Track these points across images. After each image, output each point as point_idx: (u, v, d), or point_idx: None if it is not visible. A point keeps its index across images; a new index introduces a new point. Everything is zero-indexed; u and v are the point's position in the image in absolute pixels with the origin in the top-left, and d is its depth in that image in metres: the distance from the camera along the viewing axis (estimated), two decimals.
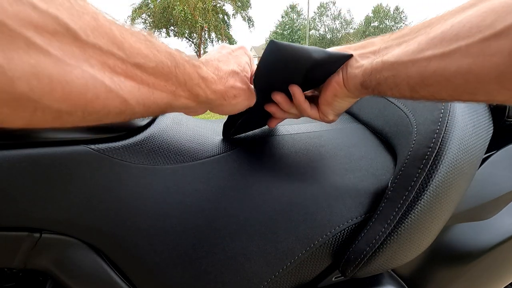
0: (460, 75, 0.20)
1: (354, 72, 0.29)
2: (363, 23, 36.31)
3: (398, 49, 0.25)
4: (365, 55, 0.29)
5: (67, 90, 0.16)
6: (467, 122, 0.32)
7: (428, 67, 0.22)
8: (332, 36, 36.11)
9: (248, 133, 0.38)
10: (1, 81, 0.13)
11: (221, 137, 0.36)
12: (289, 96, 0.33)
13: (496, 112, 0.38)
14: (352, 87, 0.30)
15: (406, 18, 35.11)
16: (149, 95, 0.21)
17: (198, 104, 0.26)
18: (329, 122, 0.35)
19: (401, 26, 34.96)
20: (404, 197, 0.30)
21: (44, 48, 0.14)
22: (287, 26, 39.21)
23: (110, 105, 0.19)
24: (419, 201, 0.30)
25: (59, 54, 0.15)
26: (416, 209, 0.30)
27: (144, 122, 0.31)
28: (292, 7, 39.83)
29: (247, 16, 17.58)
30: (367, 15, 36.23)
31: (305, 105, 0.33)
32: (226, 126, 0.36)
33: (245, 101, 0.30)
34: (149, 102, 0.21)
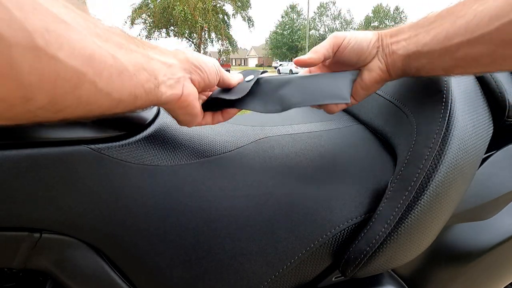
0: (486, 56, 0.25)
1: (393, 62, 0.32)
2: (363, 23, 36.30)
3: (429, 37, 0.29)
4: (398, 42, 0.32)
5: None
6: (467, 122, 0.32)
7: (458, 53, 0.26)
8: None
9: (248, 133, 0.38)
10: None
11: (221, 137, 0.36)
12: None
13: (496, 112, 0.38)
14: (393, 74, 0.33)
15: (406, 18, 35.13)
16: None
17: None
18: (355, 103, 0.37)
19: None
20: (404, 197, 0.30)
21: None
22: (287, 26, 39.20)
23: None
24: (419, 201, 0.30)
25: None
26: (416, 209, 0.30)
27: (144, 122, 0.31)
28: (292, 7, 39.83)
29: (247, 16, 17.58)
30: (367, 15, 36.24)
31: None
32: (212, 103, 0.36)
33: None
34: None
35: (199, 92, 0.30)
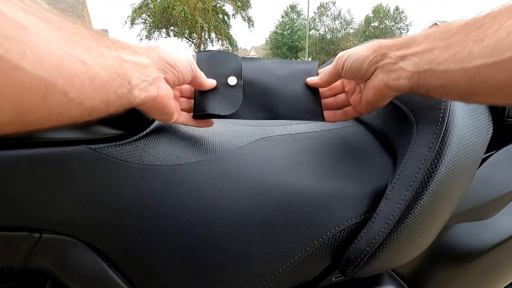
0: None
1: (397, 78, 0.29)
2: (363, 23, 36.31)
3: (446, 54, 0.24)
4: (407, 57, 0.28)
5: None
6: (467, 122, 0.32)
7: (478, 77, 0.21)
8: (332, 36, 36.09)
9: (248, 133, 0.38)
10: None
11: (221, 137, 0.36)
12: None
13: (496, 112, 0.38)
14: (396, 90, 0.30)
15: (406, 18, 35.11)
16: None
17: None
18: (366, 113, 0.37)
19: (401, 26, 35.03)
20: (404, 197, 0.30)
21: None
22: (287, 26, 39.19)
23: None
24: (419, 201, 0.30)
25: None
26: (416, 209, 0.30)
27: (144, 122, 0.31)
28: (292, 7, 39.82)
29: (247, 16, 17.58)
30: (367, 15, 36.23)
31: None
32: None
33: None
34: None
35: (173, 88, 0.30)
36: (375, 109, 0.35)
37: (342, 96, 0.39)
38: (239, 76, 0.36)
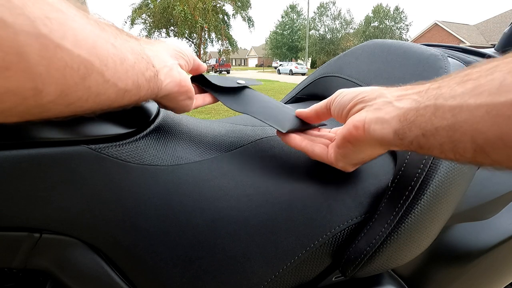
0: None
1: (383, 117, 0.22)
2: (363, 23, 36.29)
3: (461, 88, 0.17)
4: (406, 96, 0.22)
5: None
6: None
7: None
8: (332, 36, 36.07)
9: (248, 133, 0.38)
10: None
11: (221, 137, 0.36)
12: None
13: None
14: (375, 135, 0.23)
15: (406, 18, 35.11)
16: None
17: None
18: (341, 169, 0.30)
19: (401, 26, 35.01)
20: (404, 197, 0.30)
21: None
22: (287, 26, 39.19)
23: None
24: (419, 201, 0.30)
25: None
26: (416, 209, 0.30)
27: (144, 121, 0.31)
28: (292, 7, 39.82)
29: (247, 16, 17.57)
30: (367, 15, 36.22)
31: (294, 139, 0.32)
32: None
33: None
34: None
35: None
36: (342, 158, 0.28)
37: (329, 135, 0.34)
38: (245, 81, 0.42)
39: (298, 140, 0.32)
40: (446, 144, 0.18)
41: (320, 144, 0.32)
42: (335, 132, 0.34)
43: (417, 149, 0.20)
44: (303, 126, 0.35)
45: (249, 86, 0.41)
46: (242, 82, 0.41)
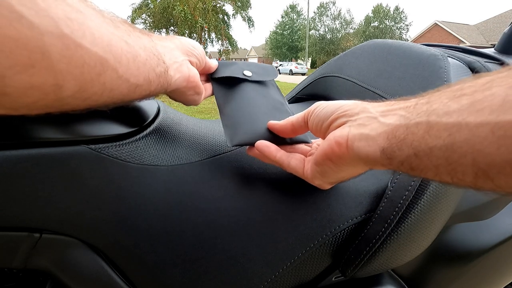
0: None
1: (369, 133, 0.20)
2: (363, 23, 36.29)
3: (456, 104, 0.16)
4: (392, 111, 0.20)
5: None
6: None
7: None
8: (332, 36, 36.08)
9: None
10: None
11: (221, 137, 0.36)
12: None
13: None
14: (360, 152, 0.21)
15: (406, 18, 35.10)
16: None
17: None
18: (318, 186, 0.28)
19: (401, 26, 35.00)
20: (404, 197, 0.30)
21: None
22: (287, 26, 39.19)
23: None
24: (419, 201, 0.30)
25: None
26: (416, 209, 0.30)
27: (144, 121, 0.31)
28: (292, 7, 39.81)
29: (247, 16, 17.56)
30: (367, 15, 36.21)
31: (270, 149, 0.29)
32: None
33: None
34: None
35: None
36: (320, 176, 0.26)
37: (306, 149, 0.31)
38: (251, 69, 0.39)
39: (273, 150, 0.29)
40: (443, 166, 0.16)
41: (296, 157, 0.29)
42: (310, 146, 0.31)
43: (408, 171, 0.18)
44: (276, 140, 0.31)
45: (253, 80, 0.38)
46: (248, 74, 0.38)
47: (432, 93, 0.18)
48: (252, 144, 0.30)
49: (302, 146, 0.31)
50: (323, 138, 0.26)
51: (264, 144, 0.29)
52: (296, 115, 0.29)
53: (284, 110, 0.36)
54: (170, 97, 0.34)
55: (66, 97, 0.18)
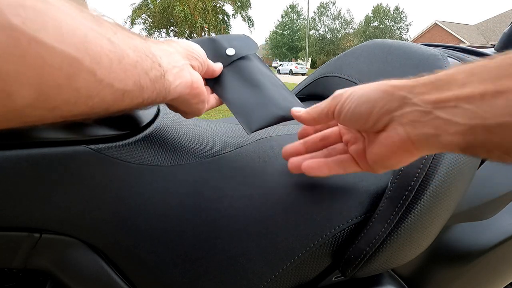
0: None
1: (439, 134, 0.19)
2: (363, 23, 36.29)
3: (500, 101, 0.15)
4: (448, 102, 0.18)
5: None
6: None
7: None
8: (332, 36, 36.08)
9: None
10: None
11: (221, 137, 0.36)
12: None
13: None
14: (432, 151, 0.21)
15: (406, 18, 35.11)
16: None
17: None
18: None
19: (401, 26, 34.99)
20: (404, 197, 0.30)
21: None
22: (287, 26, 39.19)
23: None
24: (419, 201, 0.30)
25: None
26: (416, 209, 0.30)
27: (144, 121, 0.31)
28: (292, 7, 39.81)
29: (247, 16, 17.57)
30: (367, 15, 36.22)
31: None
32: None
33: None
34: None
35: None
36: (389, 169, 0.25)
37: (339, 148, 0.30)
38: (232, 45, 0.36)
39: (325, 169, 0.28)
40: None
41: (340, 157, 0.28)
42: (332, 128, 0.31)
43: (482, 155, 0.18)
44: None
45: (243, 57, 0.36)
46: (231, 53, 0.35)
47: (477, 70, 0.17)
48: (268, 126, 0.31)
49: (336, 148, 0.30)
50: (368, 133, 0.25)
51: (311, 164, 0.28)
52: (318, 106, 0.27)
53: (280, 85, 0.37)
54: (171, 108, 0.30)
55: (22, 108, 0.14)
